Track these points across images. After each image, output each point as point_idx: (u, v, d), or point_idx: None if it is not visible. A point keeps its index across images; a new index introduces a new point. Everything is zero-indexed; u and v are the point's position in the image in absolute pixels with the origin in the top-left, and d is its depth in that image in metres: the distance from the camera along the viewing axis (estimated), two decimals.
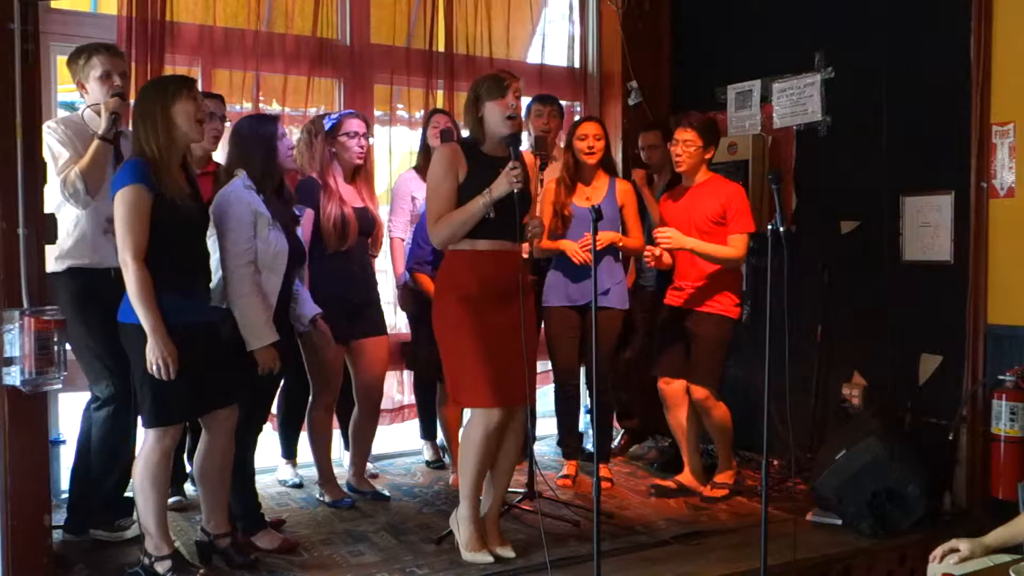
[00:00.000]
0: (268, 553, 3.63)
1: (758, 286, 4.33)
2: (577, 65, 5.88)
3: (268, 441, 4.51)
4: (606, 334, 4.46)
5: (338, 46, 5.05)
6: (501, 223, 3.42)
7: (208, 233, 3.45)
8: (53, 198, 3.42)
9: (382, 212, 4.58)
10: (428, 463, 5.05)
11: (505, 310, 3.44)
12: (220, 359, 3.34)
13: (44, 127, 3.40)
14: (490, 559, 3.54)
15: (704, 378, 4.37)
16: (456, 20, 5.34)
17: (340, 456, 4.70)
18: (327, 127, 4.16)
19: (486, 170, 3.44)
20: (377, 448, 4.89)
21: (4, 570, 3.11)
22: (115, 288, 3.24)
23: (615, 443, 5.26)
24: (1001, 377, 3.96)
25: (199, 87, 3.41)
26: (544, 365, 4.95)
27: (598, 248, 3.37)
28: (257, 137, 3.62)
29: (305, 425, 4.39)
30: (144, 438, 3.25)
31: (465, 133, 3.74)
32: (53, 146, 3.42)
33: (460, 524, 3.61)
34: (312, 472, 4.44)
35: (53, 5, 4.10)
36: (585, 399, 5.12)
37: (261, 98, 4.86)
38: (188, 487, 4.24)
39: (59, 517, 3.67)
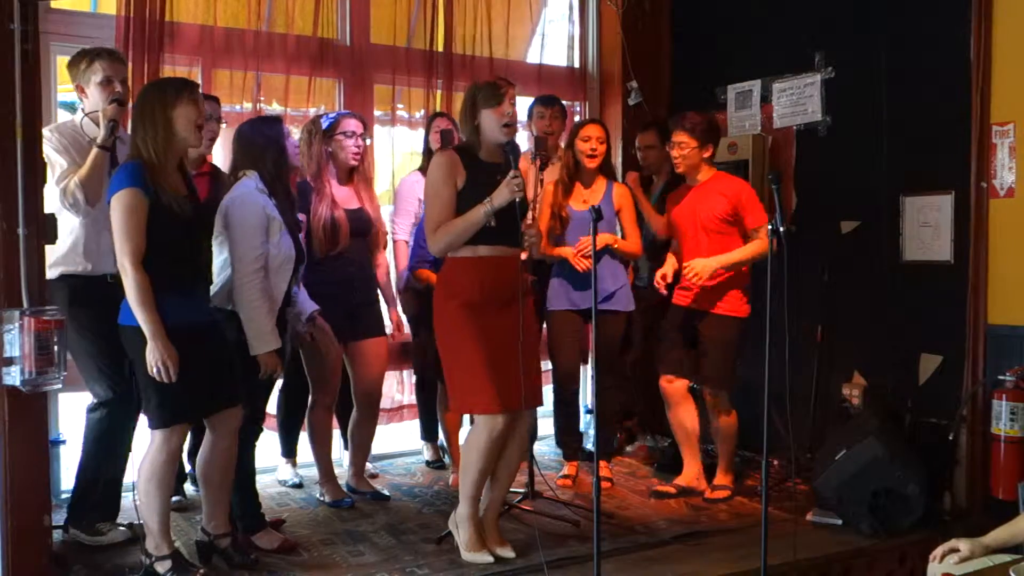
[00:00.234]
0: (268, 553, 3.63)
1: (758, 286, 4.31)
2: (577, 65, 5.88)
3: (268, 441, 4.51)
4: (611, 337, 4.46)
5: (338, 46, 5.05)
6: (502, 229, 3.42)
7: (215, 234, 3.46)
8: (52, 200, 3.41)
9: (384, 212, 4.58)
10: (428, 463, 5.05)
11: (506, 315, 3.45)
12: (223, 359, 3.35)
13: None
14: (490, 559, 3.54)
15: (716, 381, 4.37)
16: (456, 20, 5.34)
17: (340, 456, 4.70)
18: (324, 126, 4.16)
19: (484, 177, 3.45)
20: (377, 448, 4.89)
21: (4, 570, 3.11)
22: (111, 292, 3.24)
23: (614, 443, 5.25)
24: (1001, 377, 3.96)
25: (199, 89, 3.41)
26: (545, 366, 4.96)
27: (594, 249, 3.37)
28: (265, 139, 3.61)
29: (305, 425, 4.39)
30: (150, 439, 3.25)
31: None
32: (49, 155, 3.41)
33: (460, 524, 3.61)
34: (312, 472, 4.44)
35: (53, 5, 4.10)
36: (585, 399, 5.12)
37: (261, 98, 4.86)
38: (188, 487, 4.24)
39: (59, 517, 3.67)
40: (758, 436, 3.26)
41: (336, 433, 4.60)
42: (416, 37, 5.30)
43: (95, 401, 3.62)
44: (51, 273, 3.47)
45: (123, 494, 3.89)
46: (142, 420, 3.62)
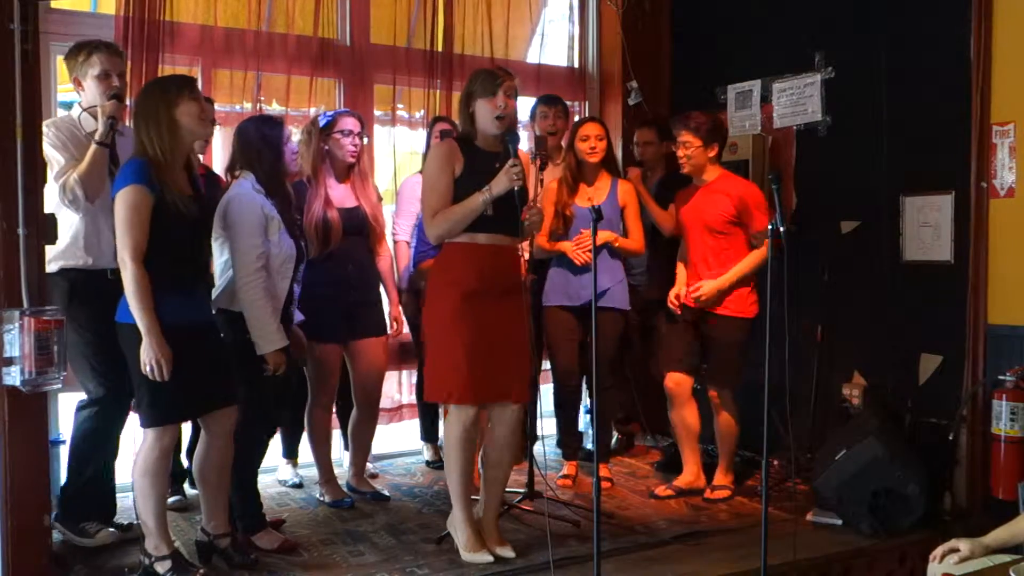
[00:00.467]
0: (268, 553, 3.63)
1: (760, 286, 4.32)
2: (577, 65, 5.88)
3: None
4: (607, 334, 4.46)
5: (339, 46, 5.05)
6: (500, 218, 3.42)
7: (214, 236, 3.46)
8: (52, 200, 3.41)
9: (385, 212, 4.57)
10: (428, 463, 5.05)
11: (500, 306, 3.44)
12: (219, 359, 3.35)
13: None
14: (490, 559, 3.54)
15: (720, 381, 4.38)
16: (456, 20, 5.34)
17: (340, 456, 4.70)
18: (321, 124, 4.17)
19: (482, 165, 3.44)
20: (377, 448, 4.89)
21: (4, 570, 3.11)
22: (110, 288, 3.24)
23: (613, 444, 5.26)
24: (1001, 377, 3.96)
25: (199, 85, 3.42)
26: (545, 365, 4.95)
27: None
28: (264, 140, 3.62)
29: (305, 425, 4.39)
30: (143, 438, 3.25)
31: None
32: (46, 150, 3.40)
33: (456, 527, 3.62)
34: (312, 472, 4.44)
35: (53, 5, 4.10)
36: (585, 399, 5.12)
37: (262, 98, 4.86)
38: (188, 487, 4.24)
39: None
40: (758, 436, 3.26)
41: (336, 433, 4.60)
42: (416, 37, 5.30)
43: (86, 398, 3.62)
44: (51, 267, 3.47)
45: (123, 494, 3.90)
46: (131, 420, 3.65)
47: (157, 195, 3.11)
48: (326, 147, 4.16)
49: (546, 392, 5.20)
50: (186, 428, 3.80)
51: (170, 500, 3.79)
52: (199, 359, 3.20)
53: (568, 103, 5.37)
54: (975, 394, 4.14)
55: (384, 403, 5.04)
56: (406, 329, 4.73)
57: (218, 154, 4.57)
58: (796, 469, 4.53)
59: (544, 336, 4.63)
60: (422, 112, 5.25)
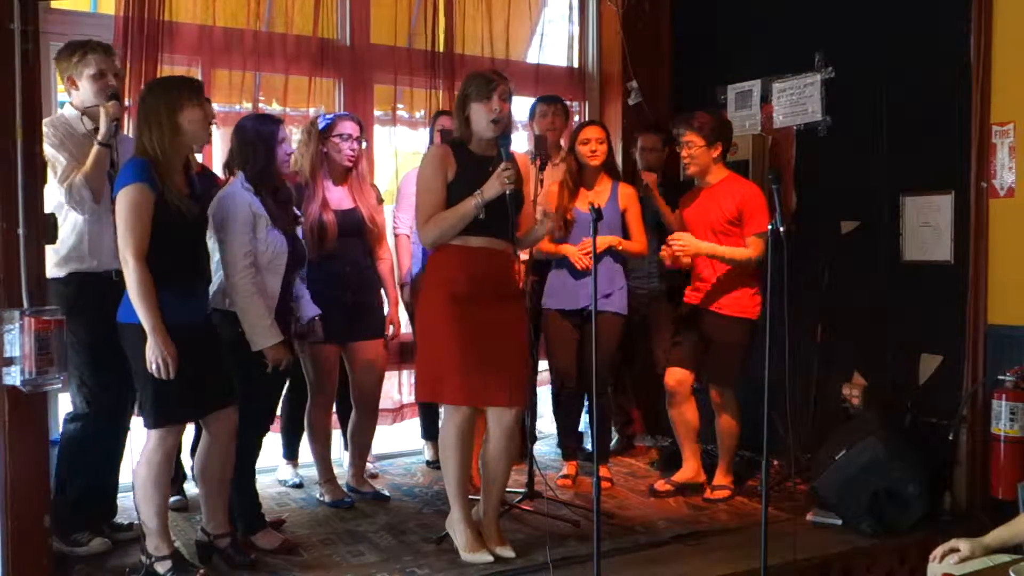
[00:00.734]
0: (268, 553, 3.63)
1: (759, 287, 4.32)
2: (577, 65, 5.88)
3: (268, 441, 4.50)
4: (606, 338, 4.45)
5: (338, 46, 5.04)
6: (493, 222, 3.42)
7: (208, 235, 3.46)
8: (51, 200, 3.40)
9: (387, 212, 4.57)
10: (428, 463, 5.05)
11: (494, 309, 3.45)
12: (220, 359, 3.35)
13: None
14: (490, 559, 3.54)
15: (721, 381, 4.38)
16: (456, 20, 5.33)
17: (340, 456, 4.70)
18: (320, 127, 4.17)
19: (475, 169, 3.45)
20: (377, 448, 4.89)
21: (4, 570, 3.11)
22: (113, 291, 3.24)
23: (613, 444, 5.26)
24: (1001, 377, 3.96)
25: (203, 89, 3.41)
26: (542, 366, 4.95)
27: (597, 251, 3.37)
28: (257, 136, 3.63)
29: (305, 425, 4.39)
30: (146, 439, 3.25)
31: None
32: (47, 151, 3.37)
33: (455, 528, 3.62)
34: (312, 472, 4.44)
35: (53, 5, 4.09)
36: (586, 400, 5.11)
37: (261, 98, 4.86)
38: (188, 487, 4.23)
39: None
40: (758, 436, 3.26)
41: (336, 433, 4.60)
42: (416, 37, 5.30)
43: (71, 412, 3.62)
44: (59, 271, 3.47)
45: (123, 494, 3.90)
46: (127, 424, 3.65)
47: (158, 194, 3.11)
48: (324, 150, 4.16)
49: (546, 393, 5.21)
50: (189, 428, 3.80)
51: (170, 500, 3.78)
52: (201, 359, 3.21)
53: (568, 103, 5.38)
54: (975, 394, 4.14)
55: (386, 403, 5.04)
56: (407, 329, 4.72)
57: (217, 154, 4.57)
58: (796, 469, 4.52)
59: (543, 338, 4.63)
60: (422, 112, 5.25)
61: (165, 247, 3.13)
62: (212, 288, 3.54)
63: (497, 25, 5.51)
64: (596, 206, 3.25)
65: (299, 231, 3.85)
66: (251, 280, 3.46)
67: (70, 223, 3.48)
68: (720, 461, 4.50)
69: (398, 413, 5.26)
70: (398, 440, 5.42)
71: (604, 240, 4.29)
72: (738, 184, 4.35)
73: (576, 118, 5.74)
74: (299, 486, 4.55)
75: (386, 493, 4.44)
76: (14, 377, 3.07)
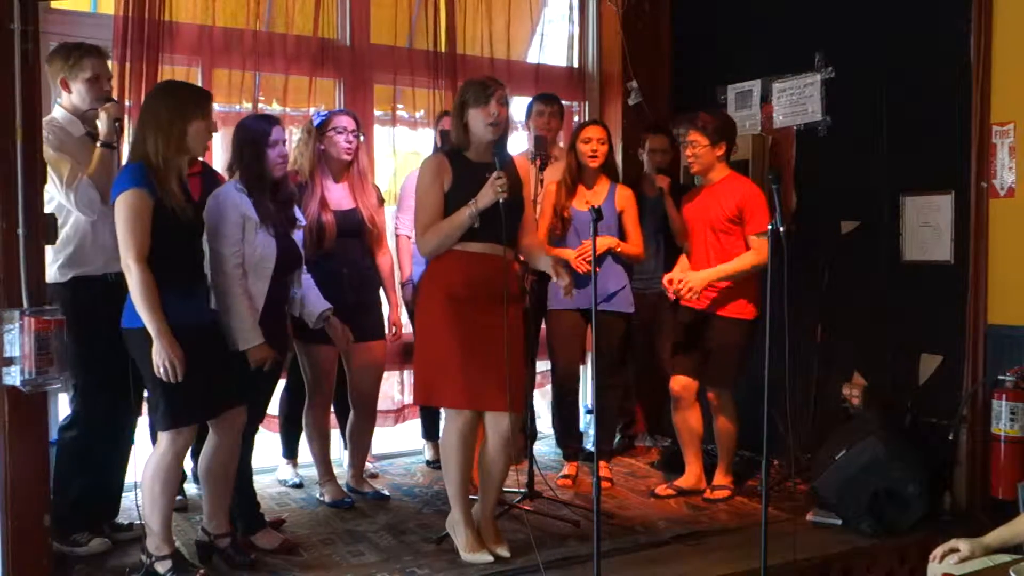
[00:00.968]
0: (268, 553, 3.63)
1: (759, 287, 4.32)
2: (577, 65, 5.88)
3: (268, 441, 4.51)
4: (610, 338, 4.46)
5: (338, 46, 5.04)
6: (490, 228, 3.43)
7: (204, 235, 3.46)
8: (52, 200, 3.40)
9: (387, 212, 4.56)
10: (428, 463, 5.05)
11: (491, 314, 3.45)
12: (225, 359, 3.35)
13: None
14: (490, 559, 3.54)
15: (716, 382, 4.38)
16: (456, 20, 5.33)
17: (340, 456, 4.70)
18: (315, 124, 4.17)
19: (472, 177, 3.46)
20: (377, 448, 4.89)
21: (4, 570, 3.11)
22: (109, 294, 3.23)
23: (615, 444, 5.26)
24: (1001, 377, 3.96)
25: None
26: (544, 366, 4.95)
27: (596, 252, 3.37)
28: (246, 137, 3.63)
29: (304, 425, 4.39)
30: (157, 441, 3.26)
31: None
32: (50, 155, 3.35)
33: (455, 528, 3.62)
34: (312, 472, 4.44)
35: (53, 5, 4.09)
36: (585, 400, 5.12)
37: (261, 98, 4.86)
38: (189, 487, 4.23)
39: None
40: (758, 436, 3.26)
41: (336, 433, 4.60)
42: (416, 37, 5.30)
43: (66, 419, 3.62)
44: (62, 275, 3.47)
45: (123, 494, 3.90)
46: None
47: (156, 199, 3.11)
48: (322, 147, 4.16)
49: (547, 393, 5.22)
50: None
51: None
52: (207, 360, 3.21)
53: (567, 103, 5.38)
54: (975, 394, 4.14)
55: (388, 404, 5.04)
56: (408, 330, 4.72)
57: (218, 154, 4.57)
58: (796, 469, 4.53)
59: (548, 337, 4.63)
60: (422, 112, 5.25)
61: (165, 251, 3.13)
62: None
63: (497, 25, 5.51)
64: (596, 207, 3.25)
65: (299, 234, 3.84)
66: (238, 281, 3.47)
67: (70, 226, 3.47)
68: (719, 461, 4.50)
69: (399, 414, 5.26)
70: (398, 440, 5.42)
71: (602, 242, 4.29)
72: (739, 183, 4.35)
73: (576, 118, 5.75)
74: (299, 486, 4.55)
75: (386, 493, 4.44)
76: (14, 377, 3.07)
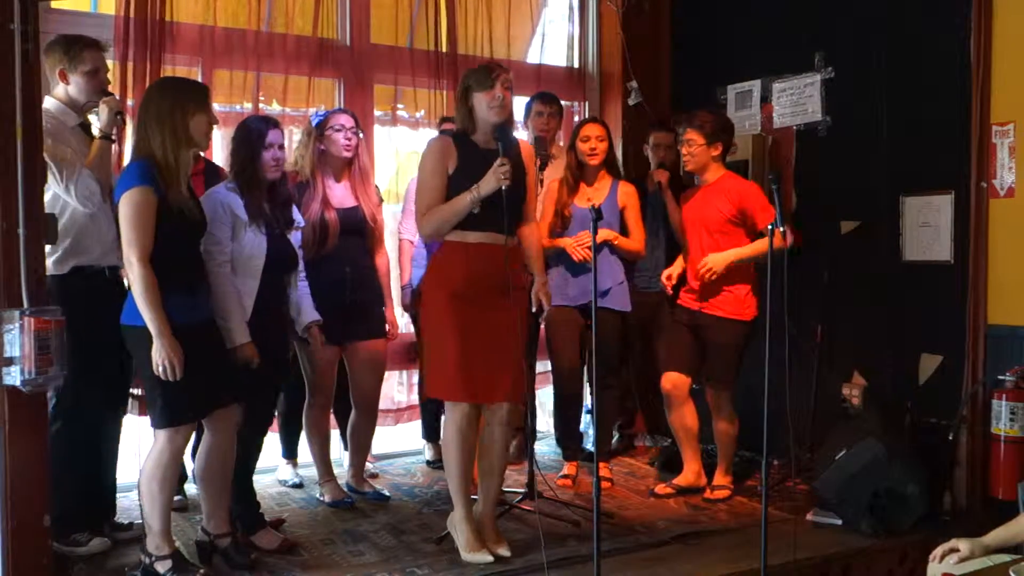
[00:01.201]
0: (268, 553, 3.63)
1: (758, 287, 4.32)
2: (577, 65, 5.88)
3: (268, 441, 4.50)
4: (606, 335, 4.45)
5: (338, 46, 5.05)
6: (490, 217, 3.43)
7: None
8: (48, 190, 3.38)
9: (387, 211, 4.56)
10: (429, 463, 5.05)
11: (493, 307, 3.45)
12: (223, 358, 3.36)
13: None
14: (490, 559, 3.54)
15: (717, 383, 4.38)
16: (457, 20, 5.34)
17: (340, 456, 4.70)
18: (314, 123, 4.17)
19: (476, 162, 3.46)
20: (377, 448, 4.89)
21: (4, 570, 3.11)
22: (105, 288, 3.22)
23: (614, 443, 5.26)
24: (1001, 377, 3.96)
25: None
26: (544, 365, 4.95)
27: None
28: (247, 136, 3.63)
29: (304, 425, 4.39)
30: (154, 439, 3.25)
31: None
32: (48, 144, 3.33)
33: (457, 526, 3.62)
34: (312, 472, 4.44)
35: (53, 5, 4.09)
36: (586, 399, 5.12)
37: (261, 98, 4.86)
38: (189, 487, 4.23)
39: None
40: (758, 436, 3.26)
41: (336, 433, 4.60)
42: (416, 37, 5.30)
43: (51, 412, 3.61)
44: (61, 267, 3.46)
45: (123, 494, 3.90)
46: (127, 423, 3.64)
47: (161, 197, 3.11)
48: (321, 146, 4.16)
49: (547, 393, 5.22)
50: None
51: None
52: (206, 358, 3.21)
53: (568, 103, 5.37)
54: (975, 394, 4.14)
55: (389, 404, 5.04)
56: (405, 330, 4.72)
57: (218, 154, 4.57)
58: (796, 469, 4.52)
59: (547, 337, 4.63)
60: (423, 112, 5.25)
61: (168, 249, 3.13)
62: None
63: (498, 25, 5.52)
64: (596, 206, 3.25)
65: (298, 235, 3.84)
66: (227, 279, 3.47)
67: (67, 218, 3.46)
68: (719, 462, 4.50)
69: (400, 414, 5.26)
70: (398, 440, 5.42)
71: (601, 234, 4.28)
72: (734, 182, 4.34)
73: (576, 118, 5.75)
74: (299, 486, 4.55)
75: (386, 493, 4.44)
76: (14, 377, 3.07)
